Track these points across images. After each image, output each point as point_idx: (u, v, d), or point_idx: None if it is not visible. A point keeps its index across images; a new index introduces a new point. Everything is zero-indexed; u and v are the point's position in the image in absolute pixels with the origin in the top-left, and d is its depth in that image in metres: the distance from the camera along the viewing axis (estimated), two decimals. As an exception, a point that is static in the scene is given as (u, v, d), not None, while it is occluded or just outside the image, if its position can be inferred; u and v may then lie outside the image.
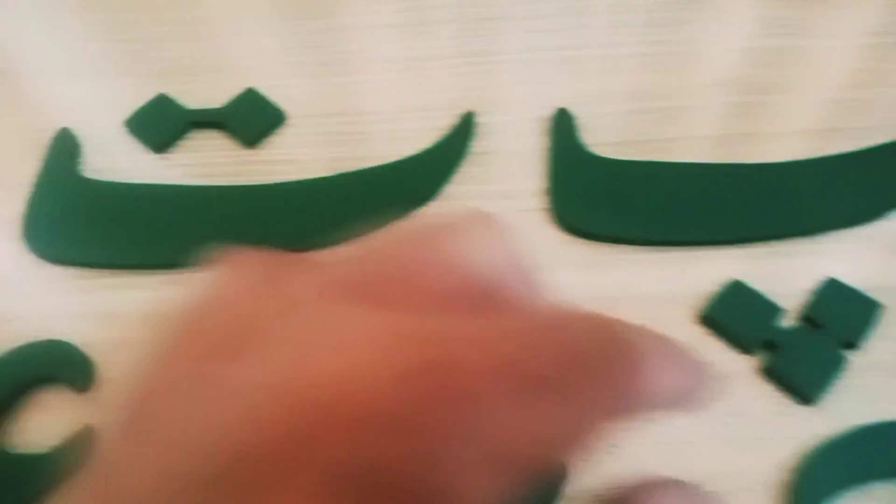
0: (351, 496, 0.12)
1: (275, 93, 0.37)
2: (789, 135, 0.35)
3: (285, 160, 0.35)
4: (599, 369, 0.14)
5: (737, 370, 0.29)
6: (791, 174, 0.34)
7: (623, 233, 0.32)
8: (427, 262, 0.15)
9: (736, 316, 0.30)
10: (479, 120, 0.36)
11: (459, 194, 0.34)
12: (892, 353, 0.30)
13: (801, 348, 0.29)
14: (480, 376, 0.13)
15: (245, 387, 0.12)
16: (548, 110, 0.36)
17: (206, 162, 0.35)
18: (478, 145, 0.35)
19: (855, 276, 0.31)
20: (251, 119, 0.35)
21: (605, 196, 0.33)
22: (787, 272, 0.32)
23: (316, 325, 0.13)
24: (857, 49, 0.38)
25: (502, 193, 0.34)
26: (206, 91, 0.37)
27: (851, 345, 0.30)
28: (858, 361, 0.30)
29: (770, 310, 0.30)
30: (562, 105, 0.36)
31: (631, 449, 0.24)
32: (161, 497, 0.12)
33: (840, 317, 0.30)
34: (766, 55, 0.38)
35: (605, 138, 0.35)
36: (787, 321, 0.30)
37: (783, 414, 0.29)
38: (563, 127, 0.35)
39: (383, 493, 0.12)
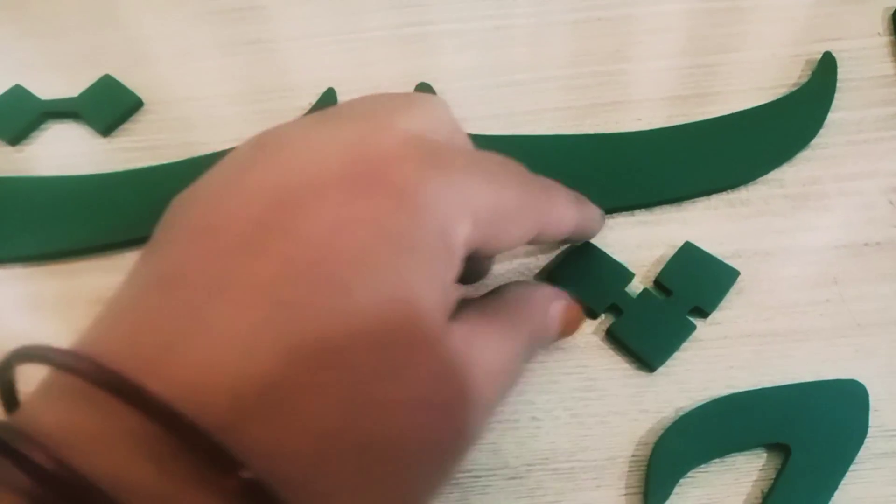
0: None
1: (132, 80, 0.36)
2: (647, 102, 0.35)
3: (141, 147, 0.34)
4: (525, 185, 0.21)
5: (584, 335, 0.29)
6: (653, 142, 0.33)
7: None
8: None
9: (583, 278, 0.29)
10: (341, 98, 0.35)
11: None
12: (745, 320, 0.29)
13: (645, 313, 0.28)
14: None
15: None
16: (410, 87, 0.35)
17: (60, 153, 0.34)
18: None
19: (714, 242, 0.30)
20: (106, 107, 0.34)
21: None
22: (647, 239, 0.31)
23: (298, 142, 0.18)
24: (704, 14, 0.37)
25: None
26: (64, 82, 0.36)
27: (701, 311, 0.29)
28: (709, 329, 0.29)
29: (619, 274, 0.29)
30: (424, 81, 0.35)
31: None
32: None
33: (692, 283, 0.29)
34: (614, 25, 0.37)
35: (468, 113, 0.34)
36: (639, 287, 0.29)
37: (631, 385, 0.28)
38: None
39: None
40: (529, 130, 0.34)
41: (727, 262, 0.30)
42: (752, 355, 0.29)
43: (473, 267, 0.24)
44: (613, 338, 0.28)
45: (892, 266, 0.30)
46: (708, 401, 0.27)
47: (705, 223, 0.32)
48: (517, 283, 0.23)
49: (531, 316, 0.22)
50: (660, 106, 0.35)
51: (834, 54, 0.35)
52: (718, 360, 0.28)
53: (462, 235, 0.18)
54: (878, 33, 0.37)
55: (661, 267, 0.30)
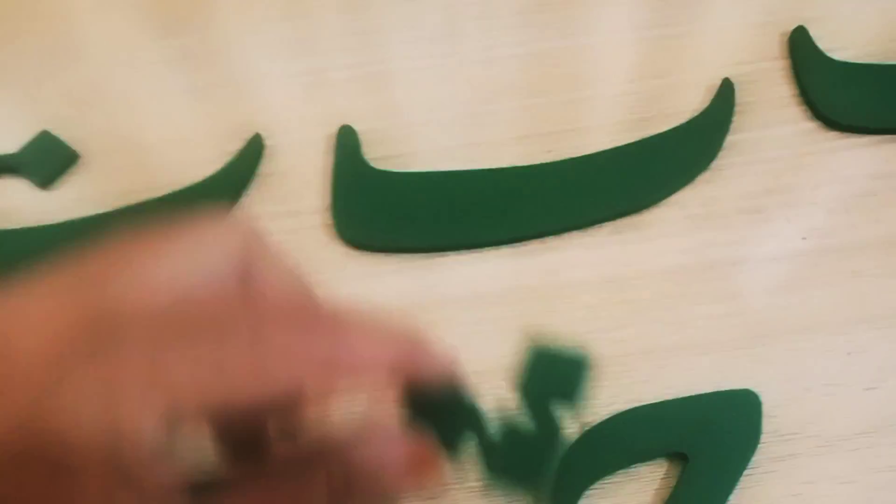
0: None
1: (69, 133, 0.37)
2: (556, 134, 0.36)
3: (80, 198, 0.36)
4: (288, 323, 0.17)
5: None
6: (559, 173, 0.35)
7: (401, 243, 0.33)
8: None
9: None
10: (268, 142, 0.37)
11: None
12: (648, 337, 0.31)
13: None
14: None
15: None
16: (333, 128, 0.37)
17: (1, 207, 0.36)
18: (266, 167, 0.36)
19: (619, 265, 0.32)
20: (45, 161, 0.36)
21: (385, 208, 0.34)
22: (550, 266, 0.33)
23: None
24: (630, 44, 0.39)
25: (288, 212, 0.35)
26: (3, 137, 0.38)
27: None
28: (614, 346, 0.31)
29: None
30: (347, 122, 0.37)
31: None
32: None
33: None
34: (543, 57, 0.39)
35: (386, 151, 0.36)
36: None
37: None
38: (346, 143, 0.36)
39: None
40: (445, 166, 0.36)
41: (636, 283, 0.32)
42: (655, 370, 0.30)
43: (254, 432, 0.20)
44: None
45: (789, 279, 0.32)
46: (611, 415, 0.29)
47: (612, 246, 0.34)
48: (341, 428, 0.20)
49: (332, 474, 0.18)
50: (568, 136, 0.36)
51: (733, 79, 0.37)
52: (622, 375, 0.30)
53: (147, 420, 0.15)
54: (776, 57, 0.39)
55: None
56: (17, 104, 0.39)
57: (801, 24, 0.39)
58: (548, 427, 0.23)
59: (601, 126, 0.37)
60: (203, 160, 0.37)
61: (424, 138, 0.37)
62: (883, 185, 0.35)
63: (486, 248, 0.34)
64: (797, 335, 0.31)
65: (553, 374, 0.24)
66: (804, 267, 0.33)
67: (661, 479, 0.29)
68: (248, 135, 0.37)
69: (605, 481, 0.28)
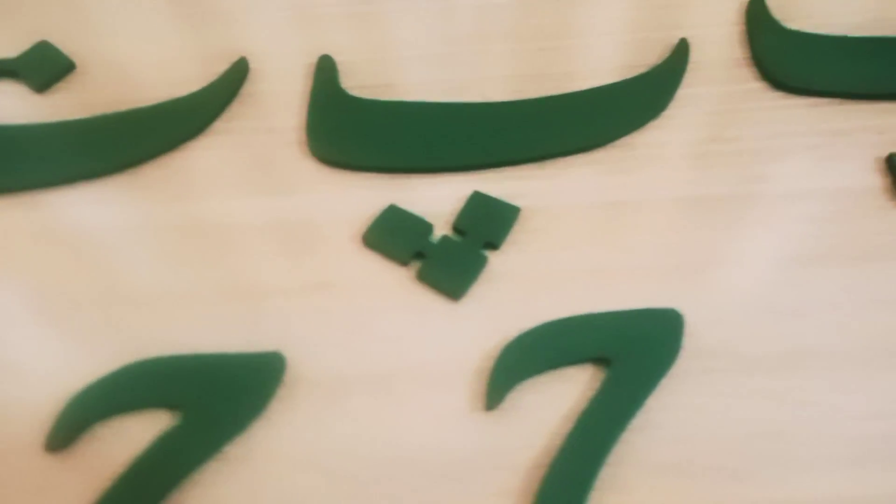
0: None
1: (66, 45, 0.40)
2: (525, 77, 0.39)
3: (72, 104, 0.38)
4: None
5: (398, 280, 0.33)
6: (527, 109, 0.38)
7: (367, 162, 0.36)
8: None
9: (391, 234, 0.34)
10: (253, 66, 0.39)
11: (227, 129, 0.38)
12: (598, 258, 0.34)
13: (446, 254, 0.33)
14: None
15: None
16: (316, 58, 0.39)
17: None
18: (249, 88, 0.39)
19: (573, 193, 0.35)
20: (42, 68, 0.39)
21: (355, 130, 0.37)
22: (504, 192, 0.35)
23: None
24: (608, 3, 0.42)
25: (265, 129, 0.38)
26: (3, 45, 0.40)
27: (492, 245, 0.33)
28: (502, 258, 0.34)
29: (420, 226, 0.34)
30: (330, 53, 0.39)
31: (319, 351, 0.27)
32: None
33: (482, 224, 0.34)
34: (527, 7, 0.42)
35: (364, 81, 0.39)
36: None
37: (445, 313, 0.32)
38: (324, 71, 0.38)
39: None
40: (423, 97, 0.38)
41: (584, 211, 0.35)
42: (594, 289, 0.33)
43: None
44: (423, 279, 0.33)
45: (727, 216, 0.35)
46: (543, 323, 0.32)
47: (565, 178, 0.36)
48: None
49: None
50: (538, 80, 0.39)
51: (694, 39, 0.40)
52: (563, 290, 0.33)
53: None
54: (734, 23, 0.41)
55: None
56: (19, 15, 0.42)
57: (760, -6, 0.42)
58: (472, 251, 0.33)
59: (569, 73, 0.40)
60: (191, 79, 0.39)
61: (402, 73, 0.40)
62: (821, 141, 0.37)
63: (449, 173, 0.36)
64: (731, 266, 0.34)
65: (487, 216, 0.34)
66: (742, 207, 0.35)
67: (587, 381, 0.31)
68: (236, 58, 0.40)
69: (536, 379, 0.31)
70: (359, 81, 0.39)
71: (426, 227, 0.34)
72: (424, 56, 0.40)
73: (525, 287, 0.33)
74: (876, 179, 0.36)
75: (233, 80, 0.38)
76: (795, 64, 0.39)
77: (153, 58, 0.40)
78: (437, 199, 0.35)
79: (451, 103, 0.38)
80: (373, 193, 0.35)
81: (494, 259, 0.34)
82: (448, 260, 0.33)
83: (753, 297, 0.33)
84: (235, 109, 0.38)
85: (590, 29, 0.41)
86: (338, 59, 0.40)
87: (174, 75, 0.40)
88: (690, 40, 0.40)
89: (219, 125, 0.38)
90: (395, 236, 0.33)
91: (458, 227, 0.34)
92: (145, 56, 0.40)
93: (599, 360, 0.31)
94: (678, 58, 0.39)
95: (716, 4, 0.42)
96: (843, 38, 0.40)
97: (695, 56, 0.40)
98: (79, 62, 0.40)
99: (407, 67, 0.40)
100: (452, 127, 0.37)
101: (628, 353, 0.31)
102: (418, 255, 0.33)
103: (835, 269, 0.33)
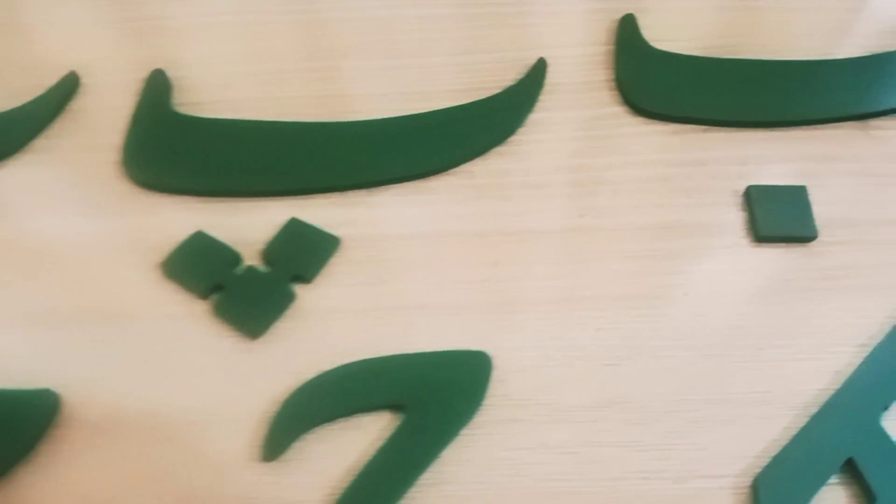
0: None
1: None
2: (370, 97, 0.37)
3: None
4: None
5: (193, 314, 0.31)
6: (359, 131, 0.35)
7: (180, 185, 0.34)
8: None
9: (191, 263, 0.31)
10: (85, 80, 0.37)
11: (48, 147, 0.36)
12: (409, 293, 0.31)
13: (247, 288, 0.30)
14: None
15: None
16: (146, 72, 0.37)
17: None
18: (77, 103, 0.37)
19: (397, 225, 0.33)
20: None
21: (175, 151, 0.35)
22: (326, 221, 0.33)
23: None
24: (462, 18, 0.40)
25: (85, 146, 0.36)
26: None
27: (303, 278, 0.31)
28: (313, 293, 0.31)
29: (226, 256, 0.31)
30: (165, 67, 0.37)
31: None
32: None
33: (294, 255, 0.31)
34: (369, 23, 0.40)
35: (201, 98, 0.37)
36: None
37: (241, 352, 0.30)
38: (153, 87, 0.36)
39: None
40: (252, 116, 0.36)
41: (409, 243, 0.32)
42: (403, 326, 0.31)
43: None
44: (221, 314, 0.30)
45: (556, 253, 0.33)
46: (337, 367, 0.29)
47: (394, 207, 0.34)
48: None
49: None
50: (380, 101, 0.37)
51: (555, 60, 0.38)
52: (372, 329, 0.31)
53: None
54: (602, 42, 0.39)
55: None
56: None
57: (633, 12, 0.39)
58: (278, 286, 0.30)
59: (417, 93, 0.37)
60: (20, 91, 0.37)
61: (244, 89, 0.38)
62: (675, 172, 0.35)
63: (271, 198, 0.34)
64: (551, 306, 0.31)
65: (301, 247, 0.31)
66: (574, 243, 0.33)
67: (381, 429, 0.29)
68: (66, 71, 0.38)
69: (328, 427, 0.29)
70: (195, 98, 0.37)
71: (233, 257, 0.32)
72: (268, 72, 0.38)
73: (333, 325, 0.31)
74: (731, 214, 0.34)
75: (59, 95, 0.37)
76: (659, 88, 0.37)
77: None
78: (253, 225, 0.33)
79: (282, 123, 0.36)
80: (184, 218, 0.33)
81: (305, 294, 0.32)
82: (249, 294, 0.31)
83: (571, 342, 0.30)
84: (60, 125, 0.36)
85: (444, 47, 0.39)
86: (176, 73, 0.38)
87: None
88: (551, 61, 0.38)
89: (40, 142, 0.36)
90: (196, 266, 0.31)
91: (267, 258, 0.32)
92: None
93: (396, 407, 0.29)
94: (533, 79, 0.37)
95: (584, 23, 0.40)
96: (713, 59, 0.38)
97: (554, 77, 0.38)
98: None
99: (247, 83, 0.38)
100: (279, 148, 0.35)
101: (427, 400, 0.29)
102: (218, 288, 0.31)
103: (654, 310, 0.31)
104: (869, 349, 0.30)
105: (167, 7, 0.40)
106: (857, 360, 0.30)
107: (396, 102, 0.37)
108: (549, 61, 0.38)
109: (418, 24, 0.40)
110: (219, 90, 0.37)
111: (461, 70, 0.38)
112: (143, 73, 0.38)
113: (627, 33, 0.39)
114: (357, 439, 0.29)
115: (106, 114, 0.37)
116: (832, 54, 0.38)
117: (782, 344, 0.30)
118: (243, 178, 0.34)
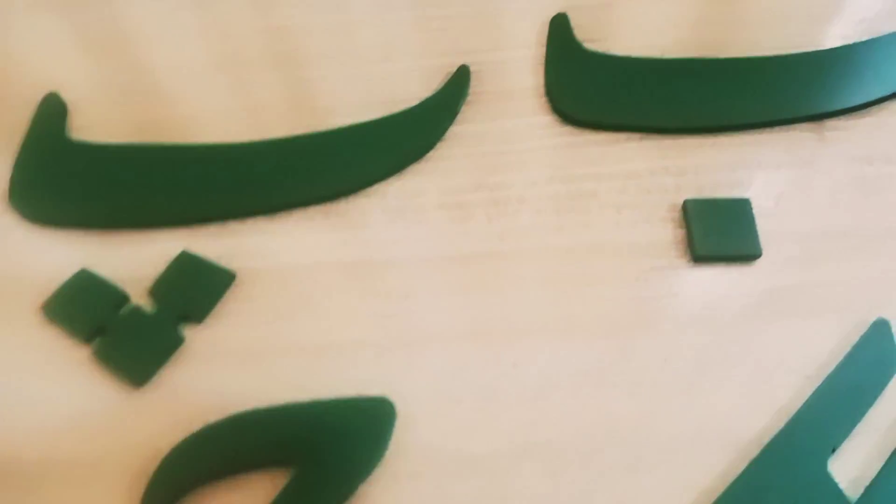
0: None
1: None
2: (271, 111, 0.34)
3: None
4: None
5: (74, 360, 0.28)
6: (254, 153, 0.33)
7: (70, 218, 0.31)
8: None
9: (73, 304, 0.29)
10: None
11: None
12: (302, 333, 0.29)
13: (131, 331, 0.28)
14: None
15: None
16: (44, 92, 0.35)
17: None
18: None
19: (295, 253, 0.30)
20: None
21: (64, 181, 0.32)
22: (222, 251, 0.30)
23: None
24: (383, 24, 0.37)
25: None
26: None
27: (193, 318, 0.28)
28: (204, 334, 0.29)
29: (111, 296, 0.29)
30: (60, 88, 0.35)
31: None
32: None
33: (182, 293, 0.29)
34: (285, 32, 0.37)
35: (101, 120, 0.34)
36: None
37: (122, 401, 0.27)
38: (46, 111, 0.34)
39: None
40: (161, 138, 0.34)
41: (312, 274, 0.30)
42: (298, 369, 0.28)
43: None
44: (102, 359, 0.28)
45: (470, 282, 0.30)
46: (226, 417, 0.27)
47: (298, 234, 0.31)
48: None
49: None
50: (287, 116, 0.34)
51: (480, 66, 0.35)
52: (262, 373, 0.28)
53: None
54: (535, 45, 0.36)
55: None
56: None
57: (566, 10, 0.36)
58: (165, 328, 0.28)
59: (327, 108, 0.35)
60: None
61: (145, 109, 0.35)
62: (606, 187, 0.32)
63: (164, 229, 0.31)
64: (464, 342, 0.28)
65: (191, 284, 0.29)
66: (492, 270, 0.30)
67: (272, 487, 0.26)
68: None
69: (211, 487, 0.26)
70: (94, 120, 0.34)
71: (118, 297, 0.29)
72: (171, 90, 0.35)
73: (224, 370, 0.28)
74: (666, 232, 0.31)
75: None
76: (591, 94, 0.34)
77: None
78: (144, 260, 0.31)
79: (179, 145, 0.33)
80: (71, 254, 0.31)
81: (195, 335, 0.29)
82: (133, 338, 0.28)
83: (484, 381, 0.27)
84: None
85: (361, 54, 0.36)
86: (73, 95, 0.35)
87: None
88: (476, 67, 0.35)
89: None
90: (78, 308, 0.29)
91: (154, 297, 0.29)
92: None
93: (287, 462, 0.26)
94: (454, 89, 0.34)
95: (517, 25, 0.37)
96: (651, 60, 0.35)
97: (479, 86, 0.35)
98: None
99: (149, 103, 0.35)
100: (174, 173, 0.32)
101: (322, 453, 0.26)
102: (101, 331, 0.28)
103: (576, 342, 0.28)
104: (818, 381, 0.27)
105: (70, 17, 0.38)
106: (805, 395, 0.27)
107: (310, 118, 0.34)
108: (472, 68, 0.35)
109: (332, 29, 0.37)
110: (119, 109, 0.35)
111: (381, 79, 0.35)
112: (38, 95, 0.35)
113: (559, 33, 0.35)
114: (243, 499, 0.26)
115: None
116: (794, 48, 0.35)
117: (720, 377, 0.27)
118: (134, 208, 0.31)
